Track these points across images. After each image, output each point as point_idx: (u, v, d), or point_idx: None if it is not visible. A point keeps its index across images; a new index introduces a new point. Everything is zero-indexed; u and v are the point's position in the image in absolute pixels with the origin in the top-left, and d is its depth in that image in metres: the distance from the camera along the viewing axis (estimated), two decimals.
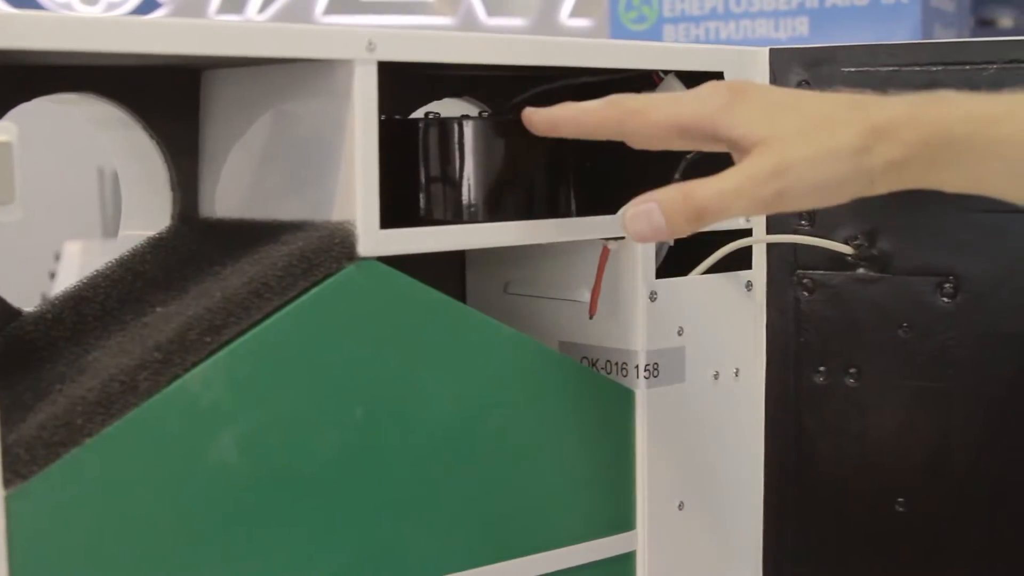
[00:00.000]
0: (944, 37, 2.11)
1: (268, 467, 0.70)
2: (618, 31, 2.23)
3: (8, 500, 0.63)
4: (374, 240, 0.73)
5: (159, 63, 0.79)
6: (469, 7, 4.94)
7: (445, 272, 0.96)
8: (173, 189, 0.83)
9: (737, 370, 0.90)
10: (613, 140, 0.75)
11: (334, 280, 0.72)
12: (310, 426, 0.72)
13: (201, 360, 0.68)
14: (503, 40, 0.78)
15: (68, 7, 3.90)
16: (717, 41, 2.14)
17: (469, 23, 4.95)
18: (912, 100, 0.69)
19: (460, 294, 0.96)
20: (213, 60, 0.79)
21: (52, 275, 2.88)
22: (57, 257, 2.91)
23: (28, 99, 0.78)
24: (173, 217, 0.83)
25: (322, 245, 0.72)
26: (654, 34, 2.19)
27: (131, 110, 0.81)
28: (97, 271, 0.79)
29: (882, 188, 0.69)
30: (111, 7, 3.59)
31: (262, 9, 3.99)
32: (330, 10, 4.13)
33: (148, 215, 0.85)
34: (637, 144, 0.74)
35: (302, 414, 0.71)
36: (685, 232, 0.70)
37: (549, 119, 0.75)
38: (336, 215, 0.74)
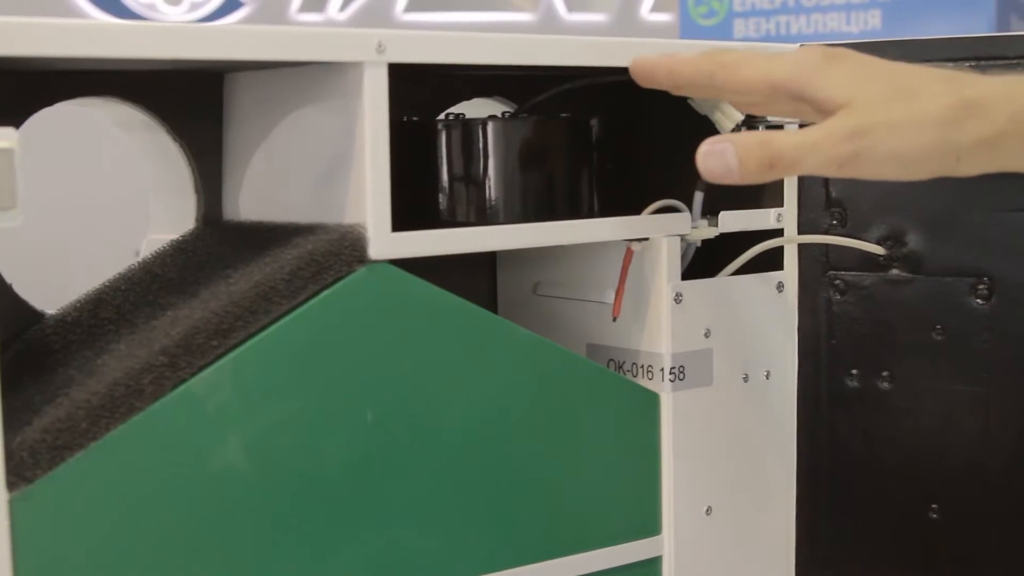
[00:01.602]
0: (1021, 29, 2.06)
1: (276, 472, 0.70)
2: (688, 26, 2.21)
3: (12, 503, 0.63)
4: (385, 243, 0.73)
5: (181, 67, 0.80)
6: (550, 3, 4.94)
7: (476, 274, 0.95)
8: (197, 192, 0.84)
9: (768, 372, 0.89)
10: (706, 94, 0.75)
11: (344, 283, 0.72)
12: (319, 431, 0.72)
13: (207, 364, 0.68)
14: (515, 40, 0.77)
15: (153, 8, 3.96)
16: (788, 36, 2.11)
17: (550, 19, 4.94)
18: (1008, 79, 0.67)
19: (491, 296, 0.96)
20: (234, 64, 0.79)
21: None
22: (137, 253, 2.95)
23: (51, 103, 0.79)
24: (197, 220, 0.84)
25: (332, 248, 0.72)
26: (724, 29, 2.17)
27: (154, 113, 0.82)
28: (120, 274, 0.80)
29: (968, 167, 0.67)
30: (193, 7, 3.63)
31: (343, 8, 4.02)
32: (411, 8, 4.15)
33: (174, 218, 0.85)
34: (726, 99, 0.74)
35: (310, 419, 0.71)
36: (755, 178, 0.68)
37: (647, 69, 0.75)
38: (348, 218, 0.74)
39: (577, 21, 4.95)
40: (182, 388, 0.68)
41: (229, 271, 0.73)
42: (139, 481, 0.66)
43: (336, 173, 0.75)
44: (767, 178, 0.67)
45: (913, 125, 0.65)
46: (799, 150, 0.66)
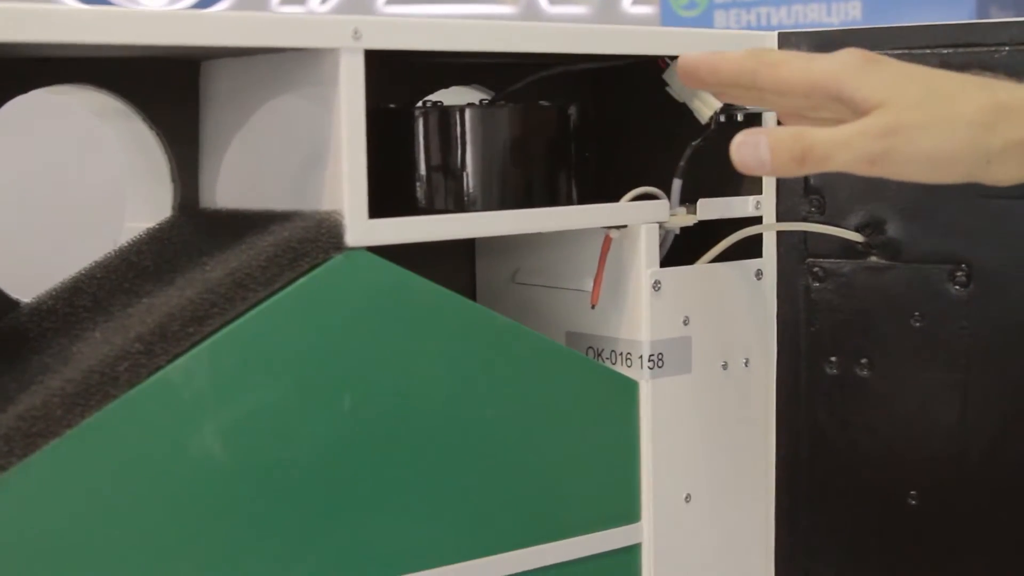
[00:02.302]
0: (1001, 18, 2.06)
1: (253, 460, 0.70)
2: (669, 17, 2.21)
3: None
4: (362, 229, 0.73)
5: (156, 54, 0.79)
6: None
7: (455, 262, 0.95)
8: (173, 180, 0.83)
9: (747, 360, 0.89)
10: (745, 90, 0.74)
11: (321, 270, 0.72)
12: (296, 418, 0.71)
13: (183, 352, 0.68)
14: (492, 27, 0.77)
15: None
16: (768, 27, 2.11)
17: (532, 12, 4.94)
18: None
19: (470, 284, 0.96)
20: (210, 51, 0.79)
21: None
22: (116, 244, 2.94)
23: (25, 91, 0.78)
24: (173, 208, 0.83)
25: (308, 235, 0.71)
26: (705, 20, 2.16)
27: (130, 101, 0.81)
28: (96, 262, 0.79)
29: (998, 172, 0.67)
30: None
31: (324, 1, 4.02)
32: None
33: (150, 206, 0.85)
34: (766, 96, 0.74)
35: (288, 406, 0.71)
36: (787, 171, 0.68)
37: (691, 66, 0.74)
38: (325, 204, 0.73)
39: (559, 13, 4.95)
40: (158, 375, 0.67)
41: (205, 259, 0.73)
42: (115, 468, 0.66)
43: (313, 160, 0.74)
44: (798, 172, 0.67)
45: (946, 125, 0.66)
46: (831, 145, 0.66)
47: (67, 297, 0.76)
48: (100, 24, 0.66)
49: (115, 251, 0.80)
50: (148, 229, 0.81)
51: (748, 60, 0.72)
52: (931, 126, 0.66)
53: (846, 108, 0.69)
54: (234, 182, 0.82)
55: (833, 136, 0.66)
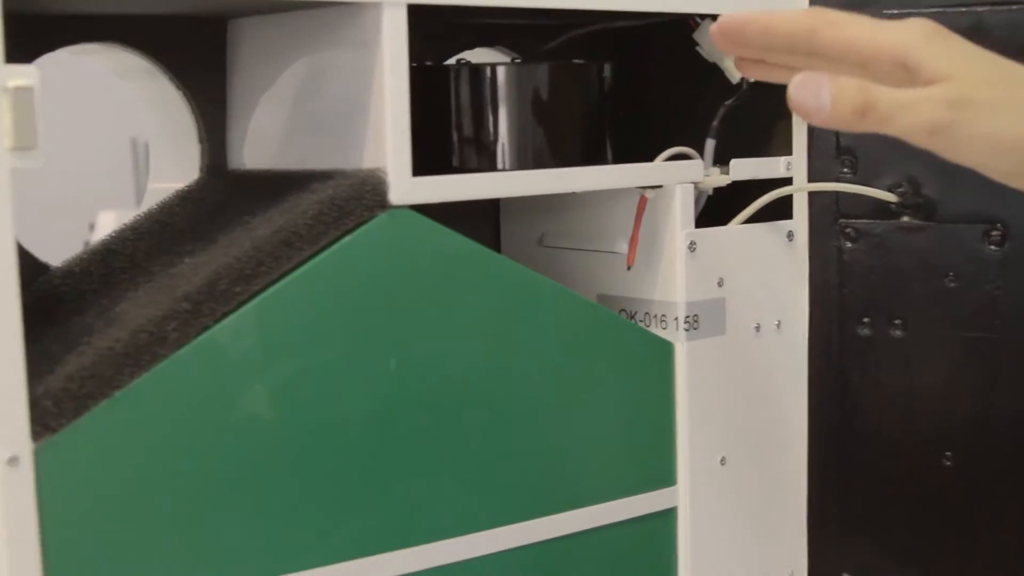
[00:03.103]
0: None
1: (300, 419, 0.69)
2: None
3: (37, 453, 0.61)
4: (406, 188, 0.71)
5: (184, 11, 0.78)
6: None
7: (480, 224, 0.94)
8: (201, 141, 0.82)
9: (779, 322, 0.88)
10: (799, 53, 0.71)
11: (366, 228, 0.71)
12: (343, 377, 0.70)
13: (231, 310, 0.67)
14: None
15: None
16: None
17: None
18: None
19: (495, 247, 0.95)
20: (239, 8, 0.77)
21: (87, 245, 2.87)
22: (92, 227, 2.91)
23: (51, 49, 0.76)
24: (202, 170, 0.82)
25: (353, 193, 0.70)
26: None
27: (157, 60, 0.80)
28: (125, 224, 0.78)
29: None
30: None
31: None
32: None
33: (177, 168, 0.83)
34: (815, 62, 0.70)
35: (334, 365, 0.70)
36: (844, 123, 0.64)
37: (736, 27, 0.69)
38: (367, 163, 0.72)
39: None
40: (206, 335, 0.66)
41: (247, 218, 0.71)
42: (164, 428, 0.65)
43: (353, 118, 0.73)
44: (854, 127, 0.64)
45: (1016, 109, 0.64)
46: (895, 106, 0.64)
47: (101, 259, 0.74)
48: None
49: (144, 213, 0.78)
50: (178, 190, 0.80)
51: (808, 19, 0.69)
52: (1001, 107, 0.64)
53: (909, 79, 0.67)
54: (265, 142, 0.80)
55: (899, 97, 0.64)
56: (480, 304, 0.75)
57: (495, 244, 0.94)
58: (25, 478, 0.61)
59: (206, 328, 0.66)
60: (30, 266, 0.76)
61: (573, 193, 0.84)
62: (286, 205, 0.70)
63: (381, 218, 0.71)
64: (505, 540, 0.77)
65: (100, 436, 0.63)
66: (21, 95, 0.59)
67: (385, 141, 0.71)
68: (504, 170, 0.81)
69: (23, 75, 0.60)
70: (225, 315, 0.66)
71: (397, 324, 0.72)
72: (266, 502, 0.68)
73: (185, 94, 0.81)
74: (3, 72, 0.59)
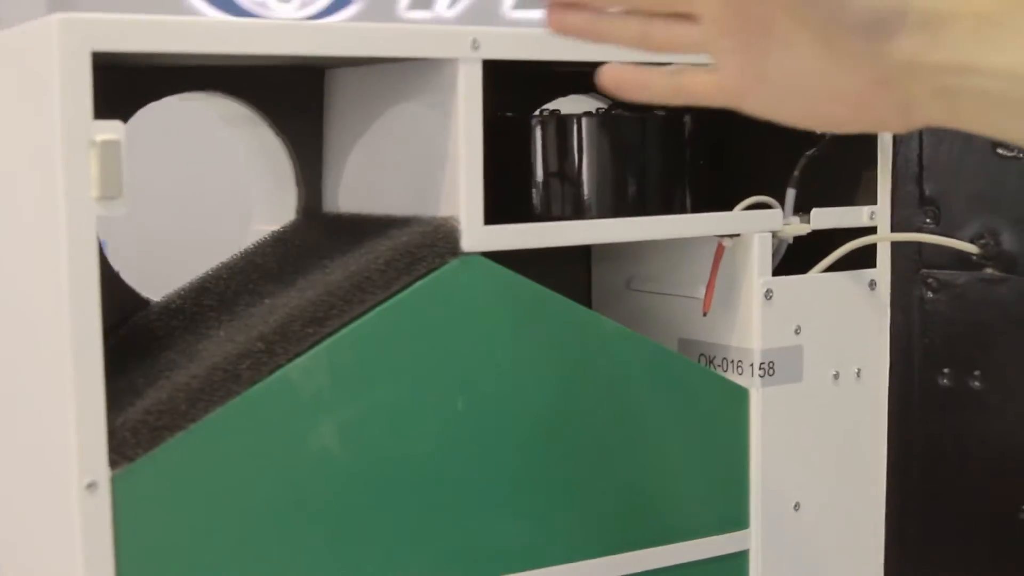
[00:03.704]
0: None
1: (369, 456, 0.72)
2: None
3: (114, 480, 0.66)
4: (477, 235, 0.74)
5: (283, 63, 0.82)
6: None
7: (572, 268, 0.97)
8: (297, 184, 0.86)
9: (859, 370, 0.89)
10: None
11: (437, 275, 0.74)
12: (411, 416, 0.73)
13: (303, 351, 0.70)
14: None
15: (264, 5, 4.03)
16: None
17: None
18: None
19: (586, 289, 0.97)
20: (335, 60, 0.81)
21: None
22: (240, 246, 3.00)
23: (158, 98, 0.81)
24: (297, 211, 0.86)
25: (426, 240, 0.73)
26: None
27: (256, 108, 0.84)
28: (222, 263, 0.82)
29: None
30: (304, 5, 3.69)
31: (451, 5, 4.06)
32: (519, 5, 4.17)
33: (276, 210, 0.87)
34: None
35: (403, 405, 0.73)
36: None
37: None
38: (442, 211, 0.75)
39: None
40: (278, 373, 0.70)
41: (326, 261, 0.75)
42: (235, 462, 0.69)
43: (431, 167, 0.76)
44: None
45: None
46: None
47: (194, 296, 0.79)
48: (231, 35, 0.68)
49: (241, 253, 0.82)
50: (272, 232, 0.84)
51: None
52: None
53: None
54: (356, 187, 0.84)
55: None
56: (549, 348, 0.77)
57: (586, 286, 0.97)
58: (102, 503, 0.66)
59: (278, 367, 0.70)
60: (132, 301, 0.81)
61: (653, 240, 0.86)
62: (361, 250, 0.74)
63: (453, 264, 0.74)
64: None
65: (174, 466, 0.67)
66: (108, 148, 0.64)
67: (459, 191, 0.74)
68: (582, 218, 0.83)
69: (110, 130, 0.64)
70: (297, 355, 0.70)
71: (466, 366, 0.75)
72: (331, 534, 0.71)
73: (283, 140, 0.85)
74: (92, 127, 0.64)
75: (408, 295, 0.73)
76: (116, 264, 0.81)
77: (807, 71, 0.57)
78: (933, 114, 0.55)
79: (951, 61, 0.53)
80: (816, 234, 0.87)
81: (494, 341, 0.76)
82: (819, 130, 0.60)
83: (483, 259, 0.75)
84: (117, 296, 0.80)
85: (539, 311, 0.77)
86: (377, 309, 0.72)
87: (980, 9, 0.53)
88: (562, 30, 0.60)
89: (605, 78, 0.61)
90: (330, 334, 0.71)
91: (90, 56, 0.64)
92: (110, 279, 0.80)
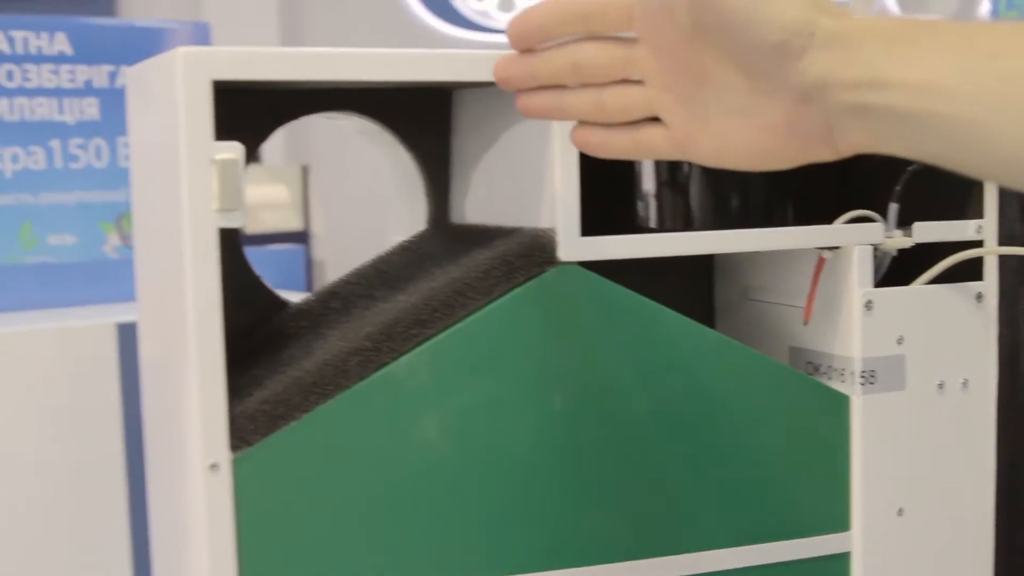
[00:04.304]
0: None
1: (468, 449, 0.79)
2: None
3: (235, 462, 0.74)
4: (573, 246, 0.80)
5: (414, 85, 0.89)
6: (883, 8, 4.86)
7: (694, 278, 1.01)
8: (427, 197, 0.93)
9: (965, 381, 0.91)
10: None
11: (535, 282, 0.80)
12: (509, 413, 0.79)
13: (408, 350, 0.77)
14: None
15: (486, 15, 4.15)
16: None
17: None
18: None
19: (709, 300, 1.01)
20: (462, 80, 0.88)
21: None
22: None
23: (297, 117, 0.89)
24: (427, 223, 0.93)
25: (523, 250, 0.79)
26: None
27: (388, 126, 0.91)
28: (354, 270, 0.90)
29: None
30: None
31: None
32: None
33: (411, 221, 0.95)
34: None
35: (501, 402, 0.79)
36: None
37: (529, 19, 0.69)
38: (542, 222, 0.81)
39: None
40: (384, 370, 0.77)
41: (435, 269, 0.82)
42: (343, 450, 0.76)
43: (535, 181, 0.82)
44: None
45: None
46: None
47: (323, 300, 0.86)
48: (369, 64, 0.78)
49: (370, 261, 0.90)
50: (401, 241, 0.91)
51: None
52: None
53: None
54: (478, 200, 0.90)
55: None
56: (643, 352, 0.82)
57: (708, 295, 1.01)
58: (224, 482, 0.74)
59: (384, 364, 0.77)
60: (273, 303, 0.89)
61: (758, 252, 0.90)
62: (467, 259, 0.81)
63: (550, 273, 0.80)
64: (667, 571, 0.84)
65: (287, 451, 0.75)
66: (226, 166, 0.72)
67: (556, 203, 0.80)
68: (685, 229, 0.88)
69: (228, 150, 0.72)
70: (402, 354, 0.77)
71: (563, 367, 0.81)
72: (430, 520, 0.78)
73: (413, 156, 0.92)
74: (212, 147, 0.72)
75: (506, 301, 0.79)
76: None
77: (739, 107, 0.62)
78: (852, 135, 0.60)
79: (863, 76, 0.57)
80: (923, 248, 0.89)
81: (590, 345, 0.81)
82: (760, 169, 0.65)
83: (579, 268, 0.80)
84: (259, 299, 0.89)
85: (633, 317, 0.82)
86: (477, 314, 0.79)
87: (884, 28, 0.57)
88: (530, 111, 0.70)
89: (575, 138, 0.70)
90: (433, 335, 0.78)
91: (211, 84, 0.72)
92: (252, 284, 0.88)
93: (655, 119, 0.67)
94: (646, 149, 0.68)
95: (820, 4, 0.60)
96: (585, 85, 0.68)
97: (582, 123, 0.70)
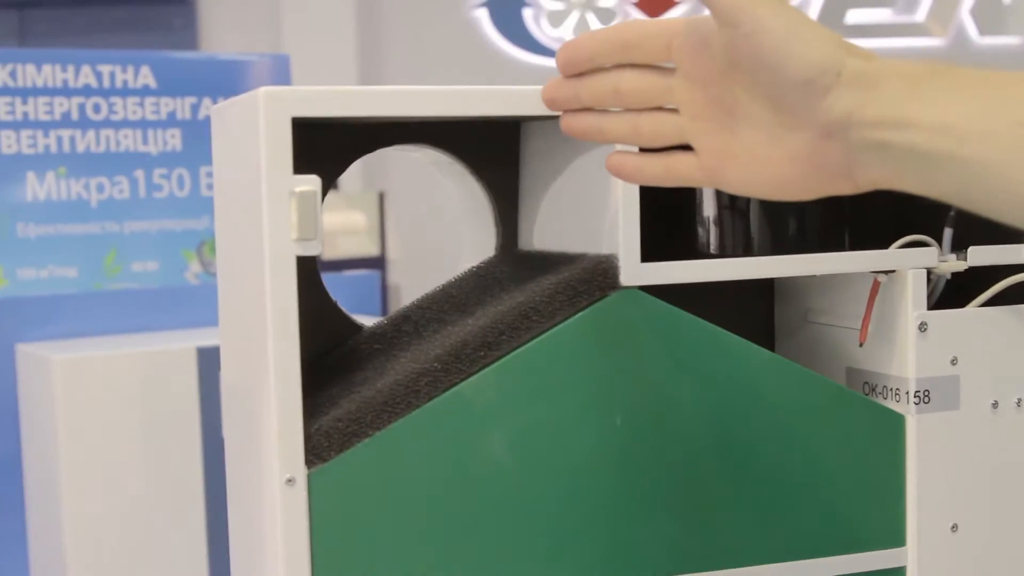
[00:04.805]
0: None
1: (533, 466, 0.82)
2: None
3: (310, 477, 0.78)
4: (634, 271, 0.84)
5: (484, 118, 0.93)
6: (960, 27, 4.85)
7: (755, 301, 1.04)
8: (496, 225, 0.97)
9: (1019, 400, 0.93)
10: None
11: (598, 306, 0.83)
12: (572, 431, 0.83)
13: (475, 371, 0.81)
14: None
15: (561, 42, 4.20)
16: None
17: (960, 43, 4.85)
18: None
19: (768, 322, 1.04)
20: (530, 113, 0.92)
21: None
22: None
23: (373, 150, 0.94)
24: (496, 249, 0.97)
25: (586, 276, 0.83)
26: None
27: (460, 159, 0.95)
28: (425, 295, 0.94)
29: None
30: None
31: None
32: None
33: (479, 248, 0.99)
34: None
35: (565, 420, 0.83)
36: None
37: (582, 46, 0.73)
38: (605, 248, 0.85)
39: (989, 45, 4.83)
40: (452, 390, 0.81)
41: (503, 294, 0.86)
42: (413, 466, 0.80)
43: (598, 210, 0.86)
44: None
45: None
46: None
47: (396, 323, 0.91)
48: (440, 101, 0.82)
49: (441, 286, 0.94)
50: (471, 268, 0.95)
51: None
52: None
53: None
54: (545, 227, 0.94)
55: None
56: (703, 373, 0.86)
57: (769, 318, 1.04)
58: (299, 496, 0.78)
59: (453, 385, 0.81)
60: (348, 327, 0.93)
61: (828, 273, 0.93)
62: (532, 284, 0.84)
63: (612, 297, 0.84)
64: None
65: (360, 467, 0.79)
66: (305, 198, 0.77)
67: (618, 230, 0.84)
68: (744, 255, 0.91)
69: (307, 183, 0.77)
70: (470, 375, 0.81)
71: (624, 387, 0.84)
72: (496, 533, 0.82)
73: (483, 185, 0.96)
74: (291, 180, 0.77)
75: (570, 324, 0.83)
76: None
77: (765, 139, 0.66)
78: (872, 171, 0.64)
79: (886, 116, 0.61)
80: (977, 271, 0.92)
81: (651, 366, 0.85)
82: (783, 199, 0.69)
83: (639, 292, 0.84)
84: (336, 323, 0.93)
85: (693, 339, 0.86)
86: (542, 336, 0.82)
87: (908, 71, 0.60)
88: (572, 130, 0.74)
89: (610, 163, 0.74)
90: (499, 357, 0.82)
91: (290, 122, 0.76)
92: (329, 310, 0.92)
93: (687, 148, 0.71)
94: (677, 176, 0.72)
95: (847, 46, 0.64)
96: (624, 111, 0.72)
97: (617, 152, 0.74)
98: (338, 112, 0.78)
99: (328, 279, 0.93)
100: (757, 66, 0.65)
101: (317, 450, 0.79)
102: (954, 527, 0.92)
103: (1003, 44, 4.83)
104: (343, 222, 3.50)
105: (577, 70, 0.73)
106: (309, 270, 0.89)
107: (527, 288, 0.84)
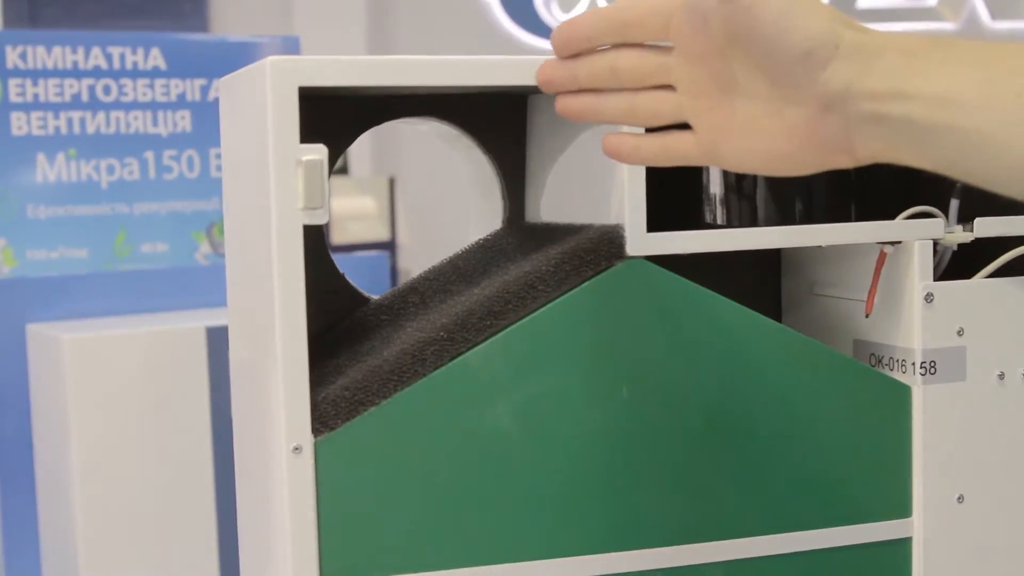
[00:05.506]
0: None
1: (537, 434, 0.83)
2: None
3: (317, 445, 0.78)
4: (640, 241, 0.84)
5: (491, 91, 0.93)
6: (972, 10, 4.84)
7: (762, 273, 1.04)
8: (503, 197, 0.97)
9: None
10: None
11: (603, 276, 0.83)
12: (577, 400, 0.83)
13: (481, 340, 0.81)
14: None
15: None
16: None
17: (973, 27, 4.84)
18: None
19: (775, 294, 1.04)
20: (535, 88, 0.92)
21: None
22: None
23: (380, 123, 0.94)
24: (503, 222, 0.97)
25: (592, 245, 0.83)
26: None
27: (466, 130, 0.96)
28: (433, 266, 0.94)
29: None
30: None
31: None
32: None
33: (487, 220, 0.99)
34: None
35: (571, 390, 0.83)
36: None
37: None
38: (611, 219, 0.85)
39: (1002, 29, 4.82)
40: (458, 359, 0.81)
41: (509, 264, 0.86)
42: (419, 434, 0.80)
43: (604, 181, 0.86)
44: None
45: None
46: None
47: (403, 295, 0.91)
48: (447, 70, 0.82)
49: (448, 258, 0.94)
50: (478, 240, 0.96)
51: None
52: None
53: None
54: (551, 199, 0.94)
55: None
56: (709, 344, 0.86)
57: (776, 290, 1.04)
58: (306, 464, 0.78)
59: (459, 354, 0.81)
60: (355, 299, 0.94)
61: (834, 245, 0.93)
62: (538, 254, 0.85)
63: (618, 267, 0.84)
64: (730, 553, 0.87)
65: (367, 435, 0.79)
66: (311, 167, 0.77)
67: (624, 201, 0.84)
68: (749, 225, 0.91)
69: (313, 151, 0.77)
70: (476, 344, 0.81)
71: (631, 357, 0.84)
72: (501, 501, 0.82)
73: (490, 158, 0.96)
74: (298, 150, 0.77)
75: (576, 294, 0.83)
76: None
77: (763, 114, 0.66)
78: (870, 143, 0.64)
79: (884, 88, 0.60)
80: (983, 243, 0.92)
81: (657, 336, 0.85)
82: (781, 174, 0.69)
83: (645, 262, 0.84)
84: (343, 296, 0.93)
85: (698, 309, 0.86)
86: (548, 306, 0.83)
87: (906, 44, 0.60)
88: (568, 111, 0.74)
89: (606, 144, 0.74)
90: (505, 326, 0.82)
91: (297, 91, 0.77)
92: (336, 282, 0.93)
93: (684, 127, 0.71)
94: (675, 154, 0.72)
95: (845, 19, 0.64)
96: (621, 91, 0.72)
97: (614, 132, 0.74)
98: (345, 81, 0.79)
99: (338, 261, 0.93)
100: (756, 39, 0.65)
101: (324, 418, 0.79)
102: (960, 498, 0.92)
103: (1016, 28, 4.82)
104: (353, 207, 3.50)
105: (574, 51, 0.72)
106: (316, 243, 0.90)
107: (533, 258, 0.84)
